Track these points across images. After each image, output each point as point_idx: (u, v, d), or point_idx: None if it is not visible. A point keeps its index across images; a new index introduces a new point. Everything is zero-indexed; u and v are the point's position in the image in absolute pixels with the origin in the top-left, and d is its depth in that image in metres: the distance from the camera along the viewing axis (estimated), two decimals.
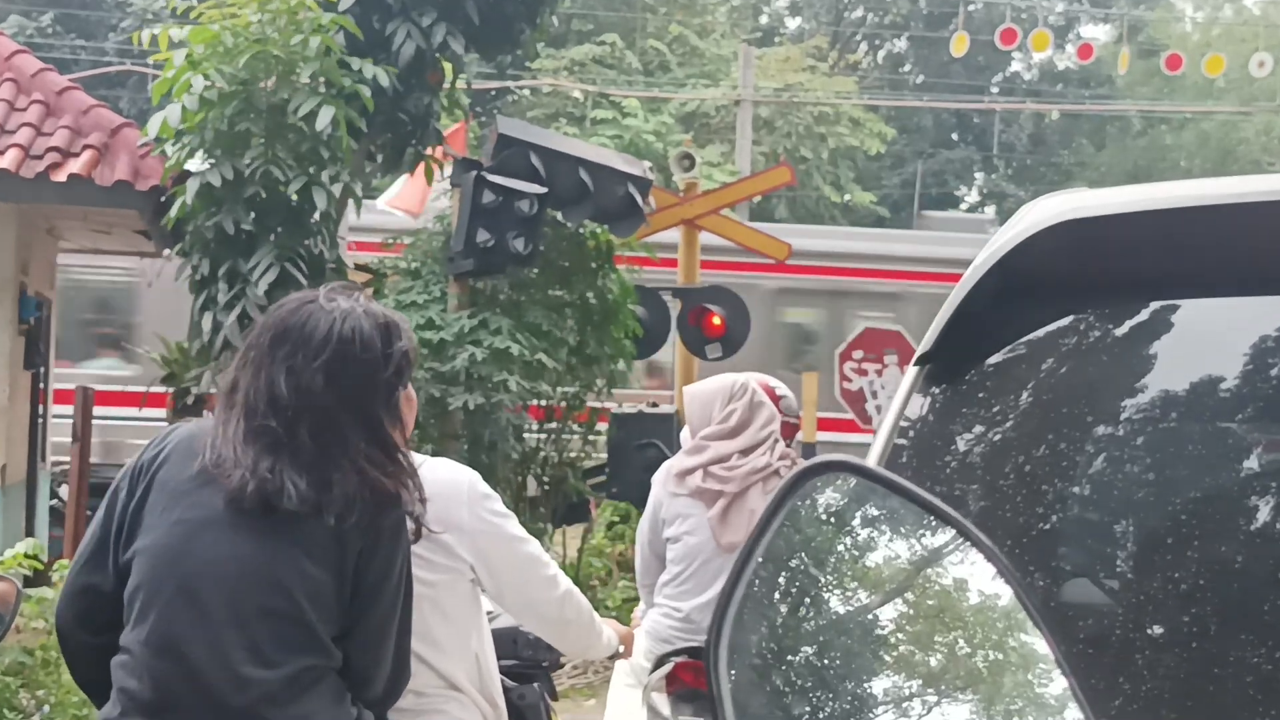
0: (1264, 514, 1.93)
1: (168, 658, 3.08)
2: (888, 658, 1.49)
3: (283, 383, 3.19)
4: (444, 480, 3.70)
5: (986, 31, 33.25)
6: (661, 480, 5.94)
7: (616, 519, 14.49)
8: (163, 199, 11.25)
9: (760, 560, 1.48)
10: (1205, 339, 2.08)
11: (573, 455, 13.50)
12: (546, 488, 13.30)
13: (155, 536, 3.14)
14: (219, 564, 3.10)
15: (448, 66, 12.58)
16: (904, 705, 1.44)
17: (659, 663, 5.45)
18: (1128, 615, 1.91)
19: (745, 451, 5.80)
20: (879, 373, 17.95)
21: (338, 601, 3.16)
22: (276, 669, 3.07)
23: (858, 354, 18.44)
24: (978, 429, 2.13)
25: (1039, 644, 1.41)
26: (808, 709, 1.46)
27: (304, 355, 3.21)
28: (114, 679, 3.14)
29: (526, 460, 12.93)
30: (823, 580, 1.55)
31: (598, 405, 13.36)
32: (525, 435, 12.70)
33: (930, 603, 1.49)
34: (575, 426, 13.42)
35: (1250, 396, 2.01)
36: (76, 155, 11.50)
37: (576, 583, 13.28)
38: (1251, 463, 1.99)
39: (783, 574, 1.53)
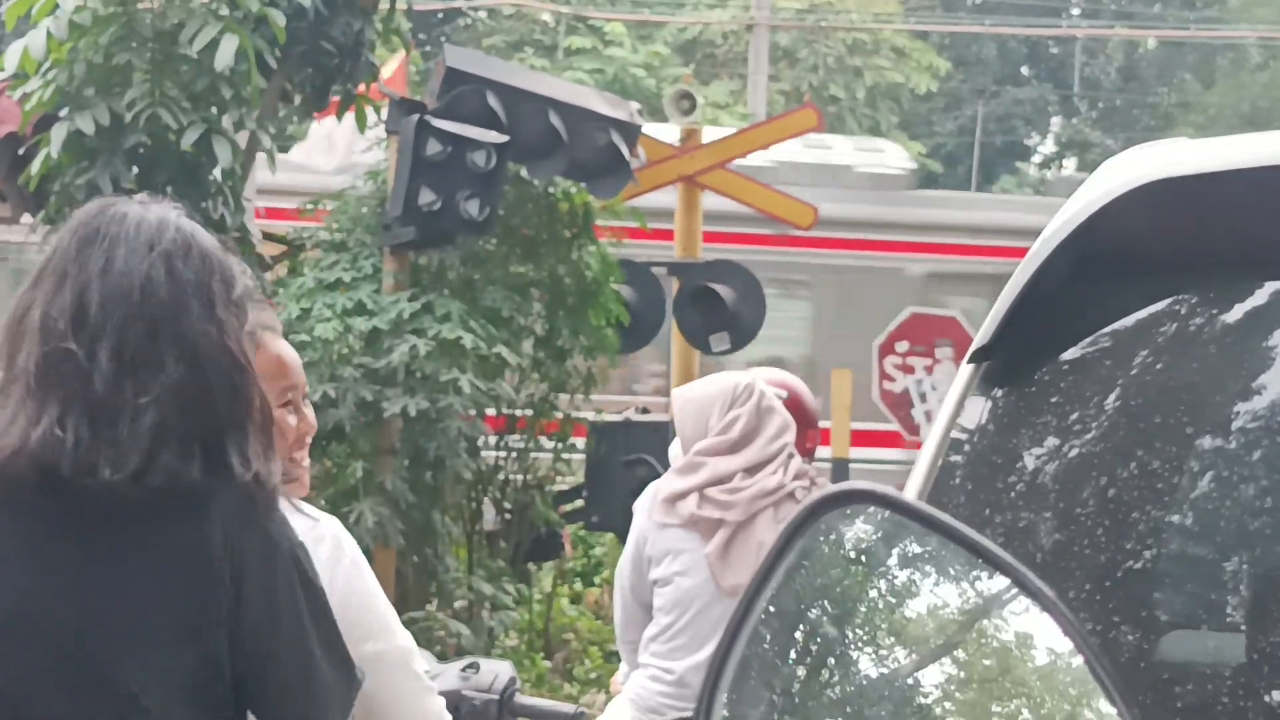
0: None
1: None
2: None
3: (95, 288, 3.07)
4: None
5: None
6: (646, 508, 5.91)
7: (597, 555, 14.51)
8: (21, 151, 11.26)
9: (765, 611, 1.48)
10: None
11: (541, 475, 13.50)
12: (508, 516, 13.29)
13: None
14: (28, 596, 3.07)
15: None
16: None
17: None
18: (1242, 676, 1.91)
19: (751, 470, 5.78)
20: (929, 370, 17.90)
21: (203, 622, 3.08)
22: None
23: (902, 346, 18.33)
24: (1050, 442, 2.14)
25: (1114, 717, 1.41)
26: None
27: (131, 246, 3.11)
28: None
29: (483, 481, 12.92)
30: (845, 637, 1.55)
31: (572, 412, 13.34)
32: (481, 450, 12.70)
33: (979, 666, 1.49)
34: (544, 439, 13.41)
35: None
36: None
37: (546, 637, 13.27)
38: None
39: (793, 628, 1.53)
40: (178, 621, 3.06)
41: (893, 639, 1.54)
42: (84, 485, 2.99)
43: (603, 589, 13.60)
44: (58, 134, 10.66)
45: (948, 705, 1.51)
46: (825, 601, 1.56)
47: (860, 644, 1.55)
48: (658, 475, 6.10)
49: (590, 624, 13.20)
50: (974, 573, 1.50)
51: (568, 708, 4.99)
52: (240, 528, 3.07)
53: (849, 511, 1.55)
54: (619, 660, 6.47)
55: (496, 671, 4.34)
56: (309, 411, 3.86)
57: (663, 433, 13.48)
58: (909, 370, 18.09)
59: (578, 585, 14.12)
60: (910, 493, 2.11)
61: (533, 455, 13.36)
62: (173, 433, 3.02)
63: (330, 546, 3.62)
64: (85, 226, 3.16)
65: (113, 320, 3.05)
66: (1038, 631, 1.45)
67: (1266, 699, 1.89)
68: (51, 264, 3.15)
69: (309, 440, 3.87)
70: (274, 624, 3.12)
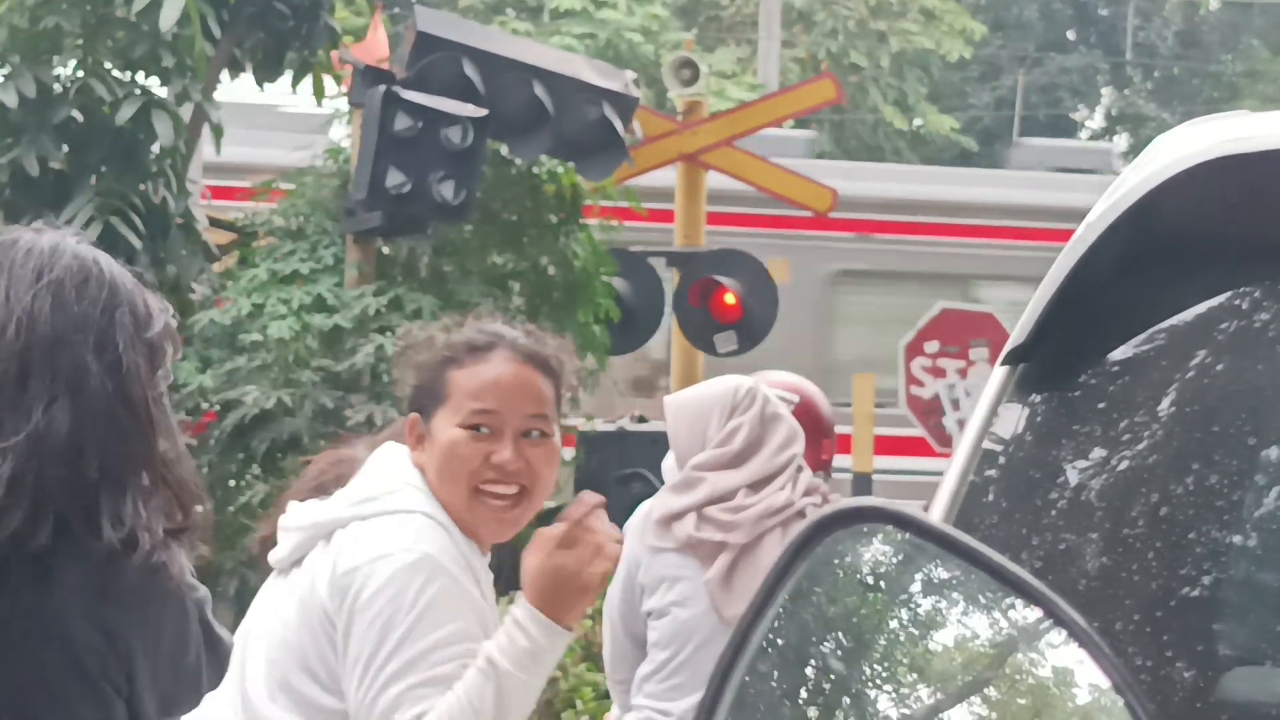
0: None
1: None
2: None
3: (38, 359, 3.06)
4: None
5: None
6: (638, 530, 5.89)
7: None
8: None
9: (765, 642, 1.48)
10: None
11: None
12: None
13: None
14: None
15: None
16: None
17: None
18: None
19: (755, 486, 5.76)
20: (961, 373, 17.91)
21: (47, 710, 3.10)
22: None
23: (931, 346, 18.34)
24: (1096, 453, 2.14)
25: None
26: None
27: (16, 275, 3.10)
28: None
29: None
30: (860, 673, 1.55)
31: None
32: None
33: (1011, 707, 1.50)
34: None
35: None
36: None
37: None
38: None
39: (800, 663, 1.53)
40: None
41: (914, 675, 1.54)
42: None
43: (594, 622, 13.61)
44: None
45: None
46: (837, 633, 1.56)
47: (877, 681, 1.55)
48: (654, 492, 6.09)
49: (574, 657, 13.20)
50: (1004, 601, 1.50)
51: None
52: (100, 603, 3.04)
53: (865, 530, 1.56)
54: (611, 701, 6.47)
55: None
56: None
57: (661, 444, 13.40)
58: (940, 374, 18.11)
59: None
60: (937, 510, 2.11)
61: None
62: (27, 489, 2.98)
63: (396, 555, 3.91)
64: None
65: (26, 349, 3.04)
66: (1076, 668, 1.45)
67: None
68: None
69: None
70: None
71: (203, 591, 3.22)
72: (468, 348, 4.23)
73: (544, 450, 4.30)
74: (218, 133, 11.44)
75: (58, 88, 10.60)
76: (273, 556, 4.21)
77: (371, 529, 3.99)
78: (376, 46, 12.63)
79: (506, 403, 4.20)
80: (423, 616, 3.89)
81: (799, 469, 5.82)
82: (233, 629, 3.62)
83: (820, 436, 6.13)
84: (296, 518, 4.19)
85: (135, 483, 3.08)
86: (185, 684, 3.18)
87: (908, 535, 1.54)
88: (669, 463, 5.99)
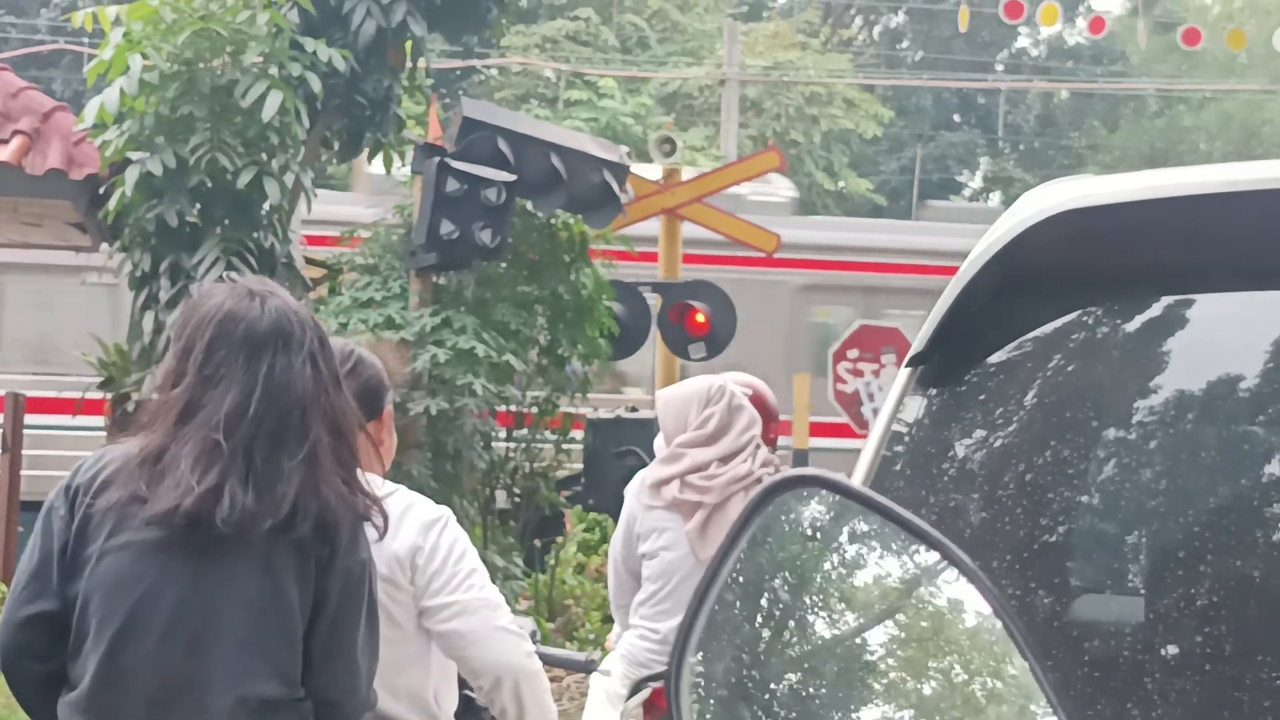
0: None
1: (117, 691, 3.13)
2: (868, 689, 1.49)
3: (261, 390, 3.25)
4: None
5: (990, 4, 33.35)
6: (635, 492, 5.91)
7: (593, 532, 14.46)
8: (100, 189, 11.23)
9: (726, 582, 1.48)
10: (1223, 336, 2.08)
11: (545, 464, 13.47)
12: (517, 500, 13.27)
13: (102, 563, 3.19)
14: (169, 591, 3.14)
15: (408, 47, 12.59)
16: None
17: (636, 688, 5.45)
18: (1140, 634, 1.91)
19: (725, 459, 5.76)
20: (875, 374, 17.92)
21: (294, 622, 3.18)
22: (228, 698, 3.10)
23: (853, 353, 18.40)
24: (977, 434, 2.14)
25: (1026, 672, 1.41)
26: None
27: (291, 352, 3.28)
28: (60, 715, 3.18)
29: (495, 470, 12.90)
30: (795, 604, 1.55)
31: (572, 410, 13.32)
32: (493, 443, 12.68)
33: (916, 629, 1.49)
34: (547, 433, 13.39)
35: (1273, 397, 2.01)
36: (5, 142, 11.46)
37: (550, 603, 13.21)
38: (1274, 468, 1.99)
39: (751, 597, 1.53)
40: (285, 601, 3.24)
41: (842, 605, 1.54)
42: (244, 530, 3.18)
43: (602, 559, 13.57)
44: (131, 175, 10.65)
45: (890, 662, 1.51)
46: (784, 572, 1.55)
47: (814, 609, 1.55)
48: (645, 464, 6.08)
49: (589, 589, 13.17)
50: (910, 548, 1.49)
51: (580, 655, 5.03)
52: (331, 549, 3.28)
53: (805, 494, 1.55)
54: (613, 623, 6.45)
55: (522, 623, 4.44)
56: None
57: (649, 428, 13.46)
58: (859, 374, 18.11)
59: (580, 558, 14.07)
60: (858, 477, 2.11)
61: (538, 447, 13.35)
62: (311, 484, 3.23)
63: (422, 518, 3.88)
64: (219, 328, 3.30)
65: (272, 412, 3.23)
66: (965, 598, 1.45)
67: (1162, 653, 1.89)
68: (212, 365, 3.29)
69: None
70: (337, 621, 3.30)
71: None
72: None
73: None
74: (309, 196, 11.43)
75: (191, 160, 10.56)
76: None
77: None
78: (433, 128, 12.63)
79: None
80: None
81: (757, 446, 5.83)
82: None
83: (769, 421, 6.12)
84: None
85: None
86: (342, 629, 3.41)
87: (837, 497, 1.54)
88: (659, 442, 5.98)
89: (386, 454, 4.06)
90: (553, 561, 13.56)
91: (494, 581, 4.02)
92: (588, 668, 5.21)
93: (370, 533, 3.40)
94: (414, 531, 3.83)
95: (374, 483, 3.59)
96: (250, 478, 3.18)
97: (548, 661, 4.72)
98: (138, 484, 3.20)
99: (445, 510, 3.97)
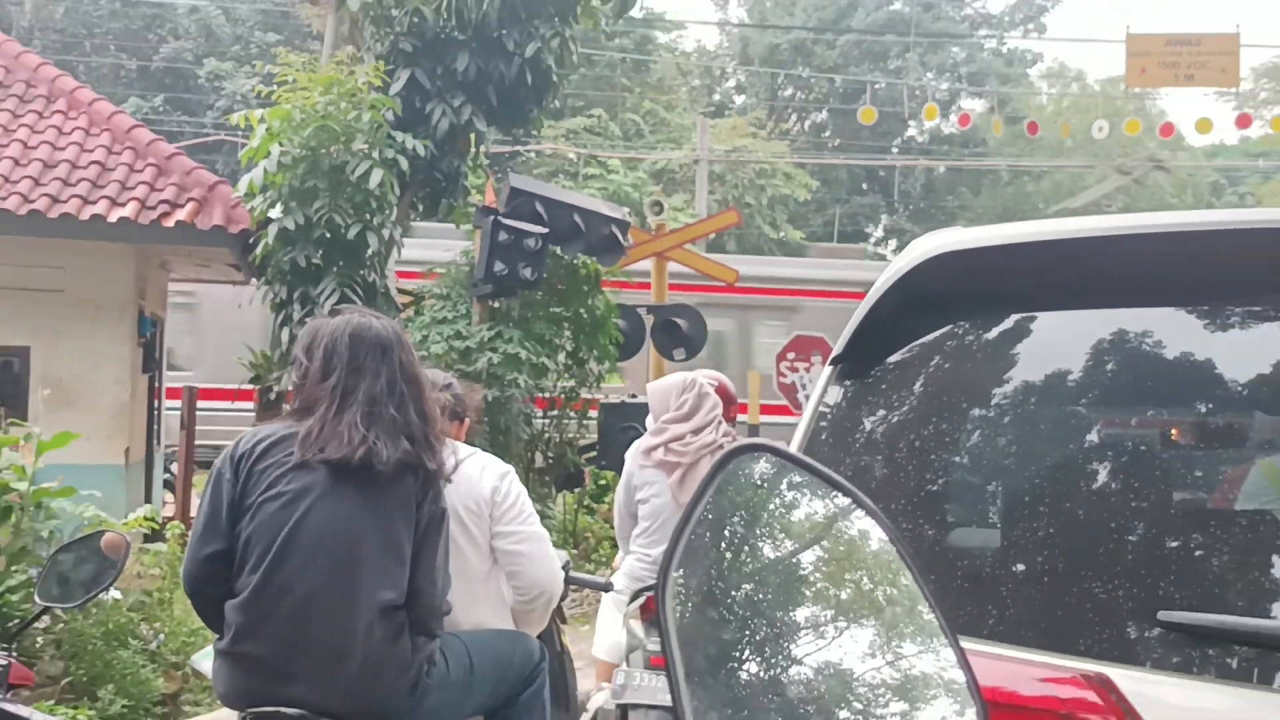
0: (1102, 476, 1.93)
1: (269, 597, 3.16)
2: (801, 595, 1.49)
3: (399, 377, 3.41)
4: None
5: (889, 105, 33.30)
6: (633, 456, 5.90)
7: (604, 484, 14.46)
8: (250, 240, 11.26)
9: (698, 519, 1.48)
10: (1054, 341, 2.08)
11: (570, 436, 13.48)
12: (550, 461, 13.28)
13: (260, 509, 3.26)
14: (309, 522, 3.18)
15: (472, 137, 12.63)
16: (814, 629, 1.44)
17: (634, 596, 5.44)
18: (996, 556, 1.90)
19: (696, 431, 5.74)
20: (807, 370, 17.89)
21: (404, 550, 3.23)
22: (363, 602, 3.13)
23: (791, 355, 18.39)
24: (879, 414, 2.13)
25: (912, 583, 1.41)
26: (736, 634, 1.46)
27: (405, 354, 3.46)
28: (227, 617, 3.21)
29: (534, 440, 12.91)
30: (748, 535, 1.55)
31: (589, 397, 13.34)
32: (533, 421, 12.69)
33: (835, 552, 1.49)
34: (572, 414, 13.40)
35: (1089, 386, 2.01)
36: (182, 206, 11.47)
37: (573, 535, 13.12)
38: (1092, 436, 1.99)
39: (716, 530, 1.52)
40: (400, 533, 3.30)
41: (783, 535, 1.53)
42: (375, 476, 3.30)
43: (609, 505, 13.55)
44: (272, 230, 10.69)
45: (817, 576, 1.50)
46: (740, 512, 1.55)
47: (762, 539, 1.54)
48: (640, 436, 6.07)
49: (600, 525, 13.16)
50: (831, 495, 1.49)
51: (602, 579, 5.02)
52: (425, 494, 3.35)
53: (755, 457, 1.55)
54: (618, 549, 6.44)
55: (560, 555, 4.43)
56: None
57: (644, 410, 13.46)
58: (795, 370, 18.04)
59: (592, 504, 14.06)
60: (794, 446, 2.11)
61: (565, 423, 13.35)
62: (426, 449, 3.36)
63: (509, 470, 3.97)
64: (374, 340, 3.44)
65: (381, 388, 3.37)
66: (869, 530, 1.44)
67: (1014, 569, 1.89)
68: (357, 361, 3.42)
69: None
70: (424, 548, 3.34)
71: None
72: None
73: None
74: (400, 246, 11.45)
75: (315, 219, 10.56)
76: None
77: None
78: (489, 195, 12.63)
79: None
80: None
81: (719, 422, 5.81)
82: None
83: (730, 404, 6.11)
84: None
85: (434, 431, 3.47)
86: (429, 543, 3.44)
87: (777, 459, 1.54)
88: (650, 420, 5.98)
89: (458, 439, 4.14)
90: (575, 505, 13.55)
91: None
92: (607, 588, 5.21)
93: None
94: (493, 478, 3.88)
95: (460, 449, 3.77)
96: (391, 437, 3.31)
97: (579, 584, 4.72)
98: (291, 451, 3.30)
99: (510, 466, 4.01)
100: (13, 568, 6.85)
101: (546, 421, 13.22)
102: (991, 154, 40.76)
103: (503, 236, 11.49)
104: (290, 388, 3.76)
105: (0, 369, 11.55)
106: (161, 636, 7.73)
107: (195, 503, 11.76)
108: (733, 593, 1.50)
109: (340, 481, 3.24)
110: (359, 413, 3.31)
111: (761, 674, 1.42)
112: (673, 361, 14.13)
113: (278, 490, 3.25)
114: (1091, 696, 1.67)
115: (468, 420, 4.21)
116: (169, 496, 14.70)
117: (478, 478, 3.83)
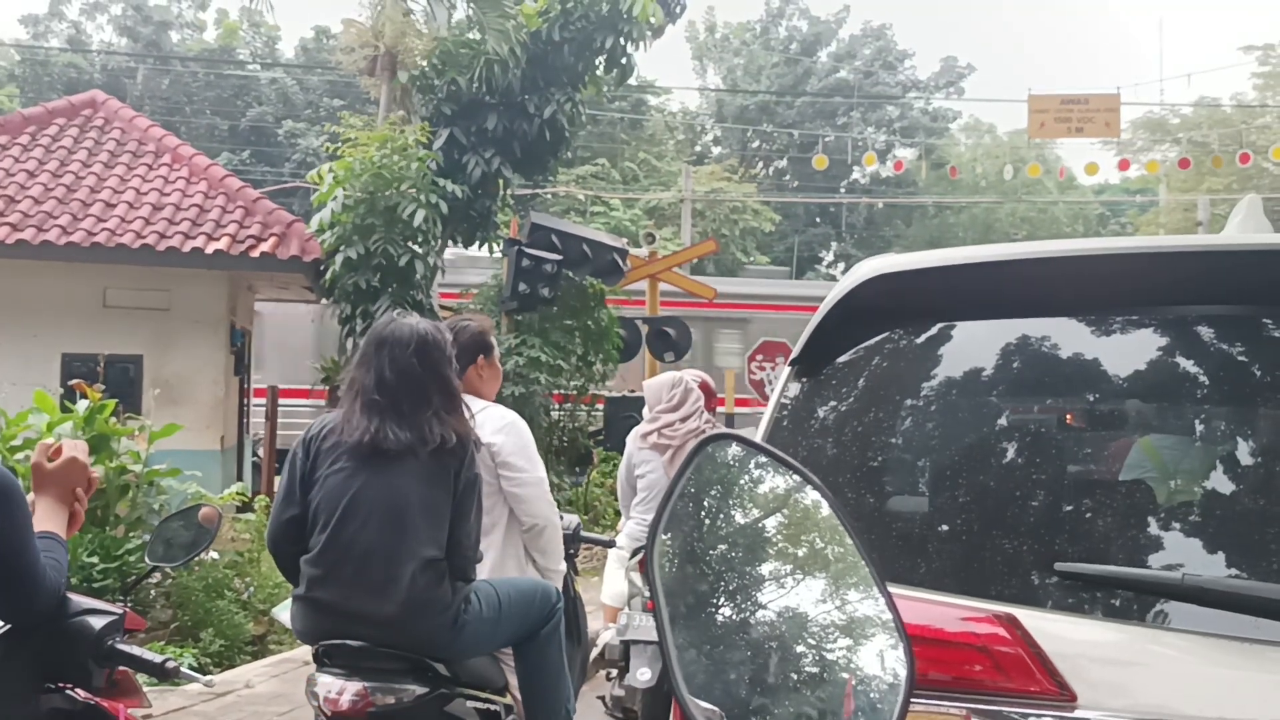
0: (1010, 453, 1.92)
1: (335, 552, 3.16)
2: (764, 553, 1.49)
3: (386, 369, 3.28)
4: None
5: (837, 154, 33.27)
6: (632, 439, 5.88)
7: (609, 462, 14.45)
8: (320, 267, 11.26)
9: (682, 492, 1.47)
10: (972, 345, 2.07)
11: (581, 424, 13.47)
12: (565, 445, 13.28)
13: (326, 482, 3.25)
14: (365, 491, 3.17)
15: (500, 183, 12.64)
16: (775, 582, 1.44)
17: (634, 553, 5.43)
18: (925, 520, 1.90)
19: (684, 419, 5.74)
20: (773, 369, 17.97)
21: (445, 507, 3.21)
22: (409, 554, 3.13)
23: (760, 357, 18.48)
24: (830, 405, 2.12)
25: (850, 543, 1.40)
26: (711, 585, 1.46)
27: (399, 349, 3.30)
28: (302, 569, 3.21)
29: (552, 428, 12.91)
30: (722, 505, 1.54)
31: (596, 392, 13.33)
32: (551, 412, 12.68)
33: (792, 519, 1.48)
34: (583, 406, 13.39)
35: (999, 380, 2.00)
36: (265, 240, 11.49)
37: (585, 505, 13.13)
38: (1002, 421, 1.98)
39: (696, 501, 1.52)
40: (439, 499, 3.23)
41: (750, 505, 1.53)
42: (403, 451, 3.22)
43: (614, 480, 13.54)
44: (338, 259, 10.70)
45: (777, 538, 1.50)
46: (715, 487, 1.55)
47: (733, 509, 1.54)
48: (638, 423, 6.07)
49: (606, 497, 13.16)
50: (788, 474, 1.49)
51: (606, 538, 5.02)
52: (460, 464, 3.26)
53: (727, 442, 1.54)
54: (621, 516, 6.44)
55: (571, 518, 4.40)
56: None
57: (641, 402, 13.41)
58: (764, 369, 18.07)
59: (600, 479, 14.04)
60: (759, 435, 2.10)
61: (577, 414, 13.34)
62: (448, 427, 3.24)
63: (509, 423, 3.88)
64: (376, 335, 3.37)
65: (395, 384, 3.27)
66: (819, 503, 1.44)
67: (939, 529, 1.89)
68: (361, 356, 3.38)
69: None
70: (461, 509, 3.27)
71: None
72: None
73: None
74: (443, 270, 11.45)
75: (372, 250, 10.57)
76: None
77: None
78: (514, 229, 12.64)
79: None
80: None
81: (702, 412, 5.81)
82: None
83: (710, 398, 6.10)
84: None
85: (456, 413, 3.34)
86: (464, 509, 3.33)
87: (744, 445, 1.53)
88: (646, 410, 5.98)
89: (490, 385, 4.05)
90: (586, 480, 13.55)
91: (551, 493, 4.00)
92: (611, 545, 5.20)
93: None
94: (488, 434, 3.80)
95: (478, 404, 3.70)
96: (402, 420, 3.22)
97: (589, 542, 4.70)
98: (342, 433, 3.24)
99: (514, 416, 3.94)
100: (130, 534, 6.85)
101: (562, 412, 13.22)
102: (920, 193, 40.76)
103: (525, 262, 11.50)
104: None
105: (119, 373, 11.55)
106: (252, 589, 7.73)
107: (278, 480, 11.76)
108: (709, 552, 1.50)
109: (389, 458, 3.22)
110: (361, 402, 3.26)
111: (733, 617, 1.42)
112: (664, 362, 14.14)
113: (339, 466, 3.24)
114: (1001, 632, 1.67)
115: (483, 357, 4.00)
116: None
117: (492, 428, 3.79)
